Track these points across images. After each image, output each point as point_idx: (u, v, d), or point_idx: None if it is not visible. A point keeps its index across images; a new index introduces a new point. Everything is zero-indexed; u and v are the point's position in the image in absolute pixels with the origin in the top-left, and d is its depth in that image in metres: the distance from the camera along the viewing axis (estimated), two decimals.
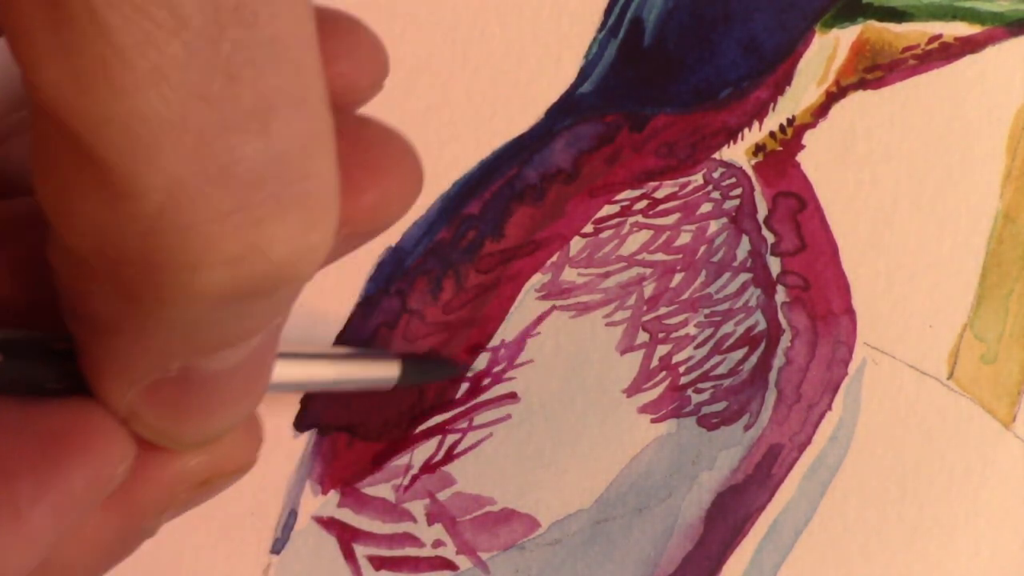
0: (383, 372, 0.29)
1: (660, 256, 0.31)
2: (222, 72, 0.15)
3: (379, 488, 0.31)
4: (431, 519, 0.31)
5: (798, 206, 0.31)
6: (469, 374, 0.31)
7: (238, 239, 0.16)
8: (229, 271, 0.16)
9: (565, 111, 0.31)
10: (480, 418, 0.31)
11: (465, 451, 0.31)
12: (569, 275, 0.31)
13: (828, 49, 0.31)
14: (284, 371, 0.26)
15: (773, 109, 0.31)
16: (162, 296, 0.16)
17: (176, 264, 0.16)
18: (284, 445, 0.31)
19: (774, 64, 0.31)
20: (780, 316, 0.31)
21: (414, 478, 0.30)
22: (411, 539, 0.31)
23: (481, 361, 0.31)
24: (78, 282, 0.17)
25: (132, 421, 0.19)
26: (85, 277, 0.17)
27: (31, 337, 0.19)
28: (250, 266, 0.16)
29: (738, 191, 0.31)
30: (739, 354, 0.31)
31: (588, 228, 0.31)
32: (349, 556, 0.31)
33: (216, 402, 0.19)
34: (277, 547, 0.31)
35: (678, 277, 0.31)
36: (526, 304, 0.31)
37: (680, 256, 0.31)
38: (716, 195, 0.31)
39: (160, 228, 0.15)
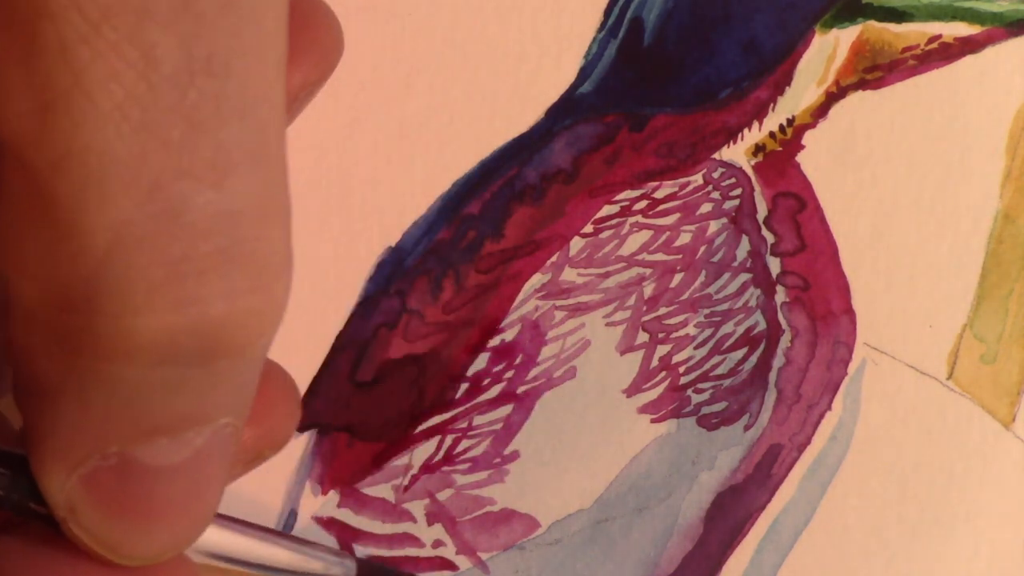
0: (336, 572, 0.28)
1: (660, 256, 0.31)
2: (185, 119, 0.15)
3: (379, 488, 0.31)
4: (431, 519, 0.31)
5: (798, 206, 0.31)
6: (469, 374, 0.31)
7: (180, 288, 0.15)
8: (168, 320, 0.16)
9: (565, 111, 0.31)
10: (480, 418, 0.31)
11: (465, 451, 0.31)
12: (569, 275, 0.31)
13: (828, 49, 0.31)
14: (232, 540, 0.24)
15: (773, 109, 0.31)
16: (101, 347, 0.16)
17: (116, 309, 0.15)
18: None
19: (774, 64, 0.31)
20: (780, 316, 0.31)
21: (414, 478, 0.30)
22: (411, 539, 0.31)
23: (481, 361, 0.31)
24: (24, 337, 0.17)
25: (72, 521, 0.18)
26: (29, 330, 0.17)
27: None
28: (189, 319, 0.16)
29: (738, 191, 0.31)
30: (739, 354, 0.31)
31: (588, 228, 0.31)
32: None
33: (156, 507, 0.18)
34: None
35: (678, 277, 0.31)
36: (526, 304, 0.31)
37: (680, 256, 0.31)
38: (716, 195, 0.31)
39: (104, 272, 0.15)
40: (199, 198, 0.15)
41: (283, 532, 0.27)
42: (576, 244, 0.31)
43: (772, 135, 0.31)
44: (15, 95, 0.15)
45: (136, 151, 0.15)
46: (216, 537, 0.23)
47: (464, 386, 0.31)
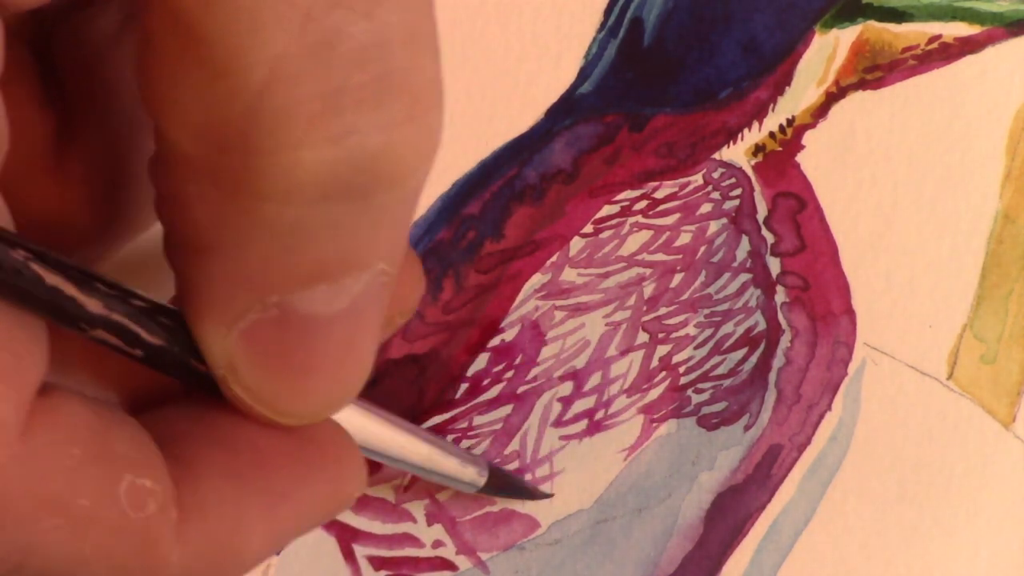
0: (469, 474, 0.28)
1: (660, 256, 0.31)
2: None
3: (379, 488, 0.31)
4: (431, 519, 0.31)
5: (798, 206, 0.31)
6: (469, 374, 0.31)
7: (338, 120, 0.15)
8: (327, 153, 0.15)
9: (565, 111, 0.31)
10: (480, 418, 0.31)
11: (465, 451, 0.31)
12: (569, 275, 0.31)
13: (828, 49, 0.31)
14: (381, 431, 0.24)
15: (773, 109, 0.31)
16: (260, 185, 0.16)
17: (274, 144, 0.15)
18: None
19: (774, 64, 0.31)
20: (780, 316, 0.31)
21: (414, 478, 0.30)
22: (411, 539, 0.31)
23: (481, 361, 0.31)
24: (178, 185, 0.17)
25: (232, 379, 0.18)
26: (185, 178, 0.16)
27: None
28: (348, 151, 0.15)
29: (738, 191, 0.31)
30: (739, 354, 0.31)
31: (588, 228, 0.31)
32: (349, 556, 0.31)
33: (315, 360, 0.18)
34: None
35: (678, 277, 0.31)
36: (526, 304, 0.31)
37: (680, 256, 0.31)
38: (716, 195, 0.31)
39: (261, 107, 0.15)
40: (352, 27, 0.15)
41: (419, 427, 0.27)
42: (576, 244, 0.31)
43: (772, 135, 0.31)
44: None
45: None
46: (357, 422, 0.23)
47: (464, 386, 0.31)
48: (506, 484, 0.29)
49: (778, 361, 0.31)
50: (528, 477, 0.31)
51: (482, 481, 0.28)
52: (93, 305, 0.17)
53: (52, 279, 0.17)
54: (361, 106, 0.15)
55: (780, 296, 0.31)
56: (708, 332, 0.31)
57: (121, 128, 0.21)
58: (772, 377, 0.31)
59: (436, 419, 0.31)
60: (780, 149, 0.31)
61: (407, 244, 0.19)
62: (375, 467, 0.31)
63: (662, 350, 0.31)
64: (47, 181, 0.20)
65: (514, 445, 0.31)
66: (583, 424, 0.31)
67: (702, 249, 0.31)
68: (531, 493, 0.30)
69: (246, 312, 0.17)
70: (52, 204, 0.20)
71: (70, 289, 0.17)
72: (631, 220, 0.31)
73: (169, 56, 0.16)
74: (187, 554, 0.17)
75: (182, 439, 0.18)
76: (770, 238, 0.31)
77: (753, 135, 0.31)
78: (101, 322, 0.17)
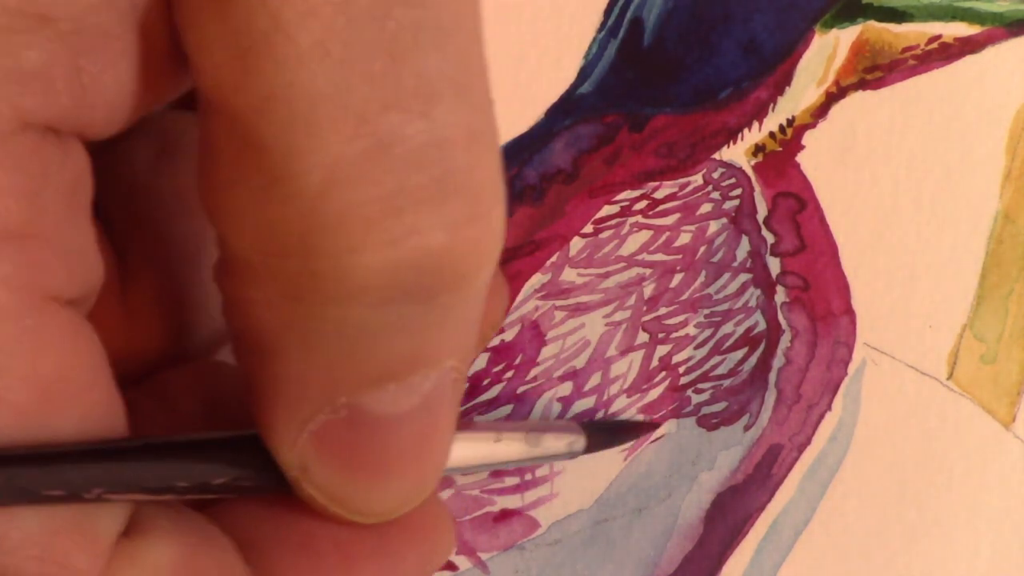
0: (567, 445, 0.26)
1: (660, 256, 0.31)
2: (385, 51, 0.15)
3: None
4: None
5: (798, 206, 0.31)
6: (469, 374, 0.31)
7: (397, 222, 0.15)
8: (388, 255, 0.15)
9: (565, 111, 0.31)
10: (480, 419, 0.31)
11: None
12: (569, 275, 0.31)
13: (828, 49, 0.31)
14: (466, 450, 0.24)
15: (773, 109, 0.31)
16: (323, 290, 0.16)
17: (335, 248, 0.15)
18: None
19: (774, 64, 0.31)
20: (780, 316, 0.31)
21: None
22: None
23: (481, 361, 0.31)
24: (242, 291, 0.17)
25: (305, 480, 0.18)
26: (248, 284, 0.17)
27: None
28: (409, 252, 0.15)
29: (738, 191, 0.31)
30: (739, 354, 0.31)
31: (588, 228, 0.31)
32: None
33: (388, 459, 0.18)
34: None
35: (678, 277, 0.31)
36: (526, 304, 0.31)
37: (680, 256, 0.31)
38: (716, 195, 0.31)
39: (319, 211, 0.15)
40: (408, 128, 0.15)
41: (510, 422, 0.27)
42: (576, 244, 0.31)
43: (772, 135, 0.31)
44: (214, 44, 0.15)
45: (341, 86, 0.15)
46: (455, 453, 0.22)
47: (464, 386, 0.31)
48: (609, 433, 0.28)
49: (778, 361, 0.31)
50: (528, 477, 0.31)
51: (581, 445, 0.26)
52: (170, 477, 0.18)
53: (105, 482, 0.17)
54: (421, 207, 0.15)
55: (780, 296, 0.31)
56: (708, 332, 0.31)
57: (175, 249, 0.21)
58: (772, 377, 0.31)
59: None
60: (780, 149, 0.31)
61: (476, 337, 0.19)
62: None
63: (662, 350, 0.31)
64: (113, 318, 0.20)
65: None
66: None
67: (702, 249, 0.31)
68: (639, 428, 0.29)
69: (316, 414, 0.17)
70: (121, 338, 0.20)
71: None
72: (631, 220, 0.31)
73: (227, 163, 0.16)
74: None
75: (263, 544, 0.19)
76: (770, 238, 0.31)
77: (753, 135, 0.31)
78: (183, 489, 0.18)
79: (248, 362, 0.18)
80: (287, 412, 0.17)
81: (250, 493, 0.19)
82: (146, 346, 0.20)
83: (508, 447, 0.24)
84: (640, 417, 0.31)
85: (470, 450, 0.23)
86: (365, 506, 0.18)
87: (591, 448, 0.27)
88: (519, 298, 0.31)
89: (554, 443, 0.25)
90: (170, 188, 0.21)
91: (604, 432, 0.28)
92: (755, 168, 0.31)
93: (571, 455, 0.27)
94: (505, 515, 0.31)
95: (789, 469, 0.31)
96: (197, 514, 0.19)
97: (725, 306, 0.31)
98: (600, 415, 0.31)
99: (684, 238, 0.31)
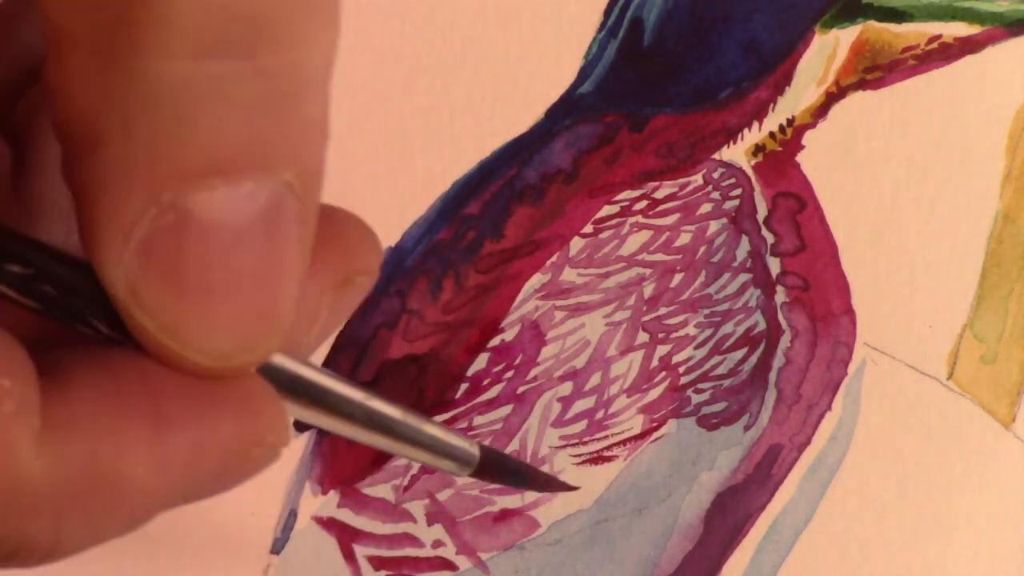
0: (458, 448, 0.23)
1: (660, 256, 0.31)
2: None
3: (379, 488, 0.31)
4: (431, 519, 0.31)
5: (798, 206, 0.31)
6: (469, 374, 0.31)
7: None
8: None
9: (565, 111, 0.31)
10: (480, 419, 0.31)
11: None
12: (569, 275, 0.31)
13: (828, 49, 0.31)
14: (331, 386, 0.21)
15: (773, 109, 0.31)
16: (137, 39, 0.15)
17: None
18: None
19: (774, 64, 0.31)
20: (780, 316, 0.31)
21: (414, 478, 0.30)
22: (411, 539, 0.31)
23: (481, 361, 0.31)
24: (61, 70, 0.16)
25: (134, 304, 0.17)
26: (66, 54, 0.16)
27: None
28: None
29: (738, 191, 0.31)
30: (739, 354, 0.31)
31: (588, 228, 0.31)
32: (349, 556, 0.31)
33: (222, 279, 0.17)
34: (277, 547, 0.31)
35: (678, 277, 0.31)
36: (526, 304, 0.31)
37: (680, 256, 0.31)
38: (716, 195, 0.31)
39: None
40: None
41: (395, 403, 0.24)
42: (576, 244, 0.31)
43: (772, 135, 0.31)
44: None
45: None
46: (305, 381, 0.20)
47: (464, 386, 0.31)
48: (506, 468, 0.25)
49: (778, 361, 0.31)
50: None
51: (474, 457, 0.24)
52: None
53: None
54: None
55: (780, 296, 0.31)
56: (708, 332, 0.31)
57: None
58: (772, 377, 0.31)
59: (436, 419, 0.31)
60: (780, 149, 0.31)
61: (322, 172, 0.17)
62: (375, 467, 0.31)
63: (662, 350, 0.31)
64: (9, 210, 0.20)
65: (514, 445, 0.31)
66: (583, 424, 0.31)
67: (702, 249, 0.31)
68: (541, 482, 0.27)
69: (141, 216, 0.16)
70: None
71: None
72: (631, 220, 0.31)
73: None
74: (52, 468, 0.17)
75: (66, 366, 0.18)
76: (770, 238, 0.31)
77: (753, 135, 0.31)
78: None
79: (73, 171, 0.17)
80: (111, 216, 0.17)
81: (67, 321, 0.18)
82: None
83: (380, 417, 0.22)
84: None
85: (335, 389, 0.21)
86: (199, 339, 0.17)
87: (483, 472, 0.24)
88: (519, 298, 0.31)
89: (437, 441, 0.23)
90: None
91: (506, 469, 0.25)
92: (755, 168, 0.31)
93: (461, 463, 0.24)
94: (505, 515, 0.31)
95: (789, 469, 0.31)
96: None
97: (725, 306, 0.31)
98: (600, 415, 0.31)
99: (684, 238, 0.31)
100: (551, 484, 0.27)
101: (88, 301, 0.18)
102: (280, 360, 0.19)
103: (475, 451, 0.23)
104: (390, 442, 0.22)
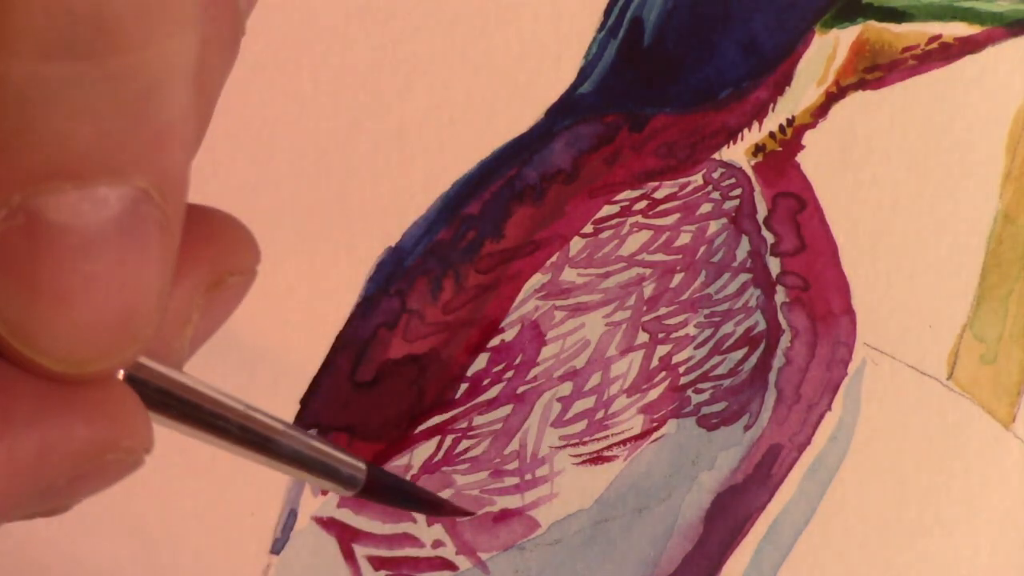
0: (344, 466, 0.22)
1: (660, 256, 0.31)
2: None
3: None
4: (431, 519, 0.31)
5: (798, 206, 0.31)
6: (469, 374, 0.31)
7: None
8: None
9: (565, 111, 0.31)
10: (480, 419, 0.31)
11: (465, 451, 0.31)
12: (569, 275, 0.31)
13: (828, 49, 0.31)
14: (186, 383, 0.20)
15: (773, 109, 0.31)
16: None
17: None
18: None
19: (774, 64, 0.31)
20: (780, 316, 0.31)
21: (414, 478, 0.30)
22: (411, 539, 0.31)
23: (481, 361, 0.31)
24: None
25: None
26: None
27: None
28: None
29: (738, 191, 0.31)
30: (739, 354, 0.31)
31: (588, 228, 0.31)
32: (349, 556, 0.31)
33: (75, 283, 0.17)
34: (277, 547, 0.31)
35: (678, 277, 0.31)
36: (526, 304, 0.31)
37: (680, 256, 0.31)
38: (716, 195, 0.31)
39: None
40: None
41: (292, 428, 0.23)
42: (576, 244, 0.31)
43: (772, 135, 0.31)
44: None
45: None
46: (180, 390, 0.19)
47: (464, 386, 0.31)
48: (395, 489, 0.24)
49: (778, 361, 0.31)
50: (528, 477, 0.31)
51: (361, 475, 0.22)
52: None
53: None
54: None
55: (780, 296, 0.31)
56: (708, 332, 0.31)
57: None
58: (772, 377, 0.31)
59: (436, 419, 0.31)
60: (780, 149, 0.31)
61: (184, 176, 0.17)
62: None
63: (662, 350, 0.31)
64: None
65: (514, 445, 0.31)
66: (583, 424, 0.31)
67: (702, 249, 0.31)
68: (433, 505, 0.25)
69: None
70: None
71: None
72: (631, 220, 0.31)
73: None
74: None
75: None
76: (770, 238, 0.31)
77: (753, 135, 0.31)
78: None
79: None
80: None
81: None
82: None
83: (258, 431, 0.21)
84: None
85: (210, 398, 0.20)
86: (51, 344, 0.17)
87: (370, 492, 0.23)
88: (519, 298, 0.31)
89: (320, 459, 0.21)
90: None
91: (395, 490, 0.24)
92: (755, 168, 0.31)
93: (341, 485, 0.22)
94: (505, 515, 0.31)
95: (789, 469, 0.31)
96: None
97: (725, 306, 0.31)
98: (600, 415, 0.31)
99: (684, 238, 0.31)
100: (444, 508, 0.26)
101: None
102: (150, 365, 0.19)
103: (362, 468, 0.22)
104: (267, 459, 0.21)
